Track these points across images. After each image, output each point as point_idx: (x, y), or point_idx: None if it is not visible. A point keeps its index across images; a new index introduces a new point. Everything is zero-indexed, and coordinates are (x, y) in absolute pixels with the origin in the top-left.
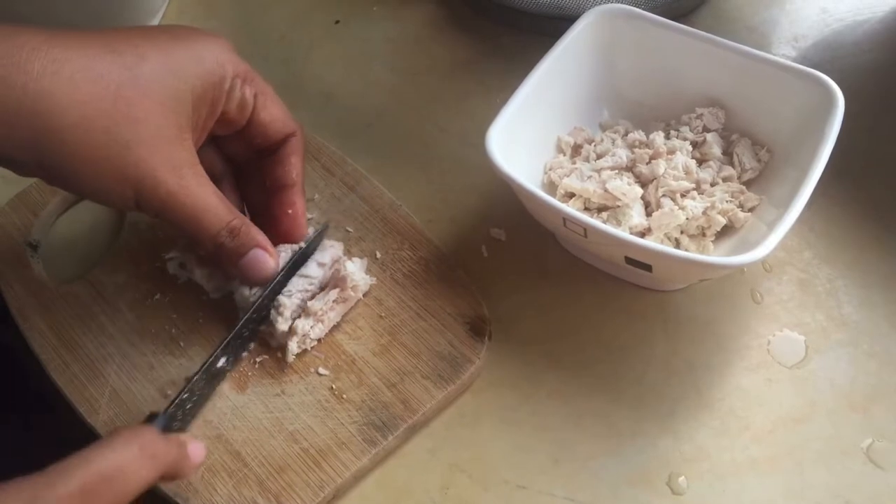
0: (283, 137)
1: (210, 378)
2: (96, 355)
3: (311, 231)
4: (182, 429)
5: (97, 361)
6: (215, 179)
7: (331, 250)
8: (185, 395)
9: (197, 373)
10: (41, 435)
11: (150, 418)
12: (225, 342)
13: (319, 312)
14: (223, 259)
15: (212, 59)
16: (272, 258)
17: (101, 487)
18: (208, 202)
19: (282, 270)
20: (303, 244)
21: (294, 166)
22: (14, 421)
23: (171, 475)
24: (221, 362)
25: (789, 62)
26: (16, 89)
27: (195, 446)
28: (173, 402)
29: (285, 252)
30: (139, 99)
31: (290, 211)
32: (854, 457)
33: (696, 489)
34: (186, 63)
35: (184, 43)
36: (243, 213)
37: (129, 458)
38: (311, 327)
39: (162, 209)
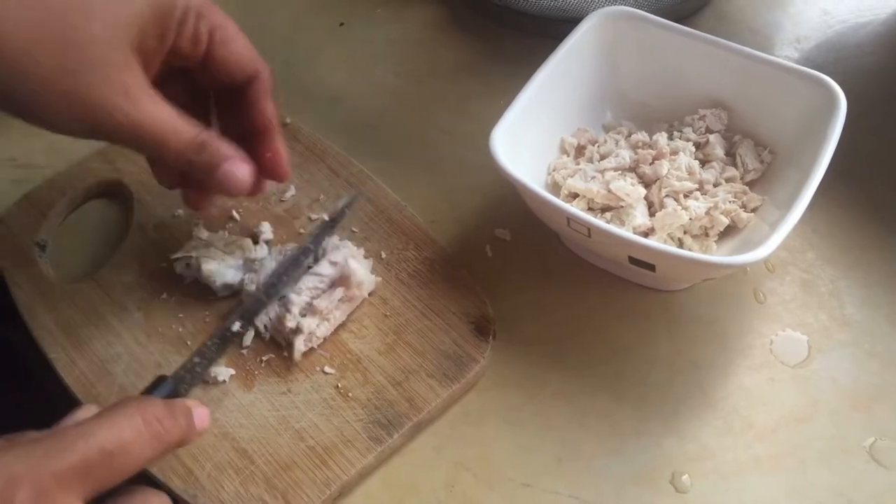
0: (246, 77)
1: (223, 342)
2: (104, 354)
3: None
4: (188, 391)
5: (105, 360)
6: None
7: (344, 250)
8: (197, 360)
9: (212, 338)
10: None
11: (159, 381)
12: (244, 306)
13: (325, 311)
14: (198, 176)
15: None
16: (247, 165)
17: (101, 463)
18: (166, 121)
19: (315, 234)
20: (325, 217)
21: (264, 110)
22: (14, 424)
23: (176, 446)
24: (236, 326)
25: (792, 64)
26: None
27: (200, 413)
28: (184, 365)
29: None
30: (85, 23)
31: (268, 155)
32: (857, 456)
33: (700, 488)
34: None
35: None
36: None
37: (132, 433)
38: (318, 325)
39: (119, 132)
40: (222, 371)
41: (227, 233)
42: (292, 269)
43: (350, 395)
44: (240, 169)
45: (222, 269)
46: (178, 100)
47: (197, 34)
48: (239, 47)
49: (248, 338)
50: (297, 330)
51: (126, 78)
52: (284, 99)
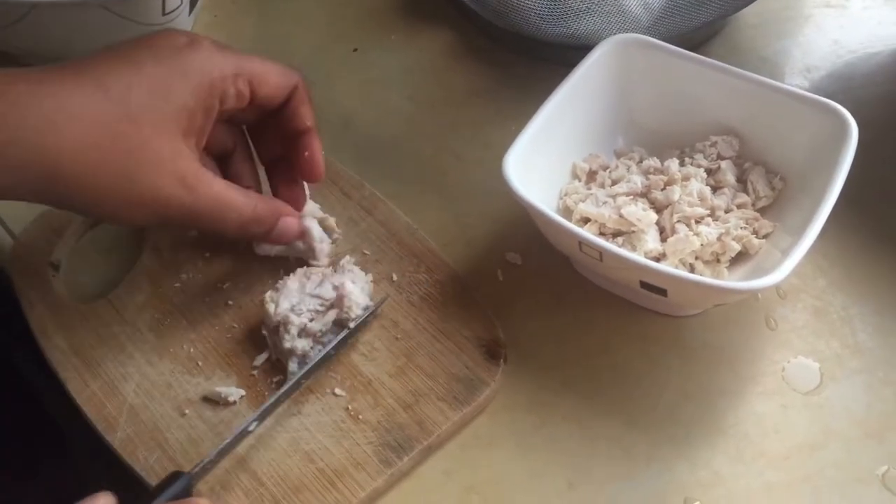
0: (286, 96)
1: (237, 440)
2: (115, 374)
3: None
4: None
5: (116, 380)
6: (228, 152)
7: (349, 273)
8: (216, 457)
9: (231, 439)
10: (48, 456)
11: (174, 477)
12: (262, 409)
13: (318, 334)
14: (254, 239)
15: (196, 70)
16: (296, 220)
17: None
18: (222, 201)
19: (324, 351)
20: (351, 325)
21: (305, 114)
22: (19, 447)
23: None
24: (253, 427)
25: (803, 91)
26: (20, 142)
27: None
28: (201, 463)
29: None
30: (135, 129)
31: (306, 153)
32: (870, 484)
33: None
34: (172, 83)
35: (167, 62)
36: (257, 175)
37: None
38: (311, 348)
39: (185, 220)
40: (233, 391)
41: None
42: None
43: (360, 417)
44: (291, 224)
45: None
46: (224, 143)
47: (239, 93)
48: (275, 78)
49: (260, 359)
50: (292, 351)
51: (179, 168)
52: None
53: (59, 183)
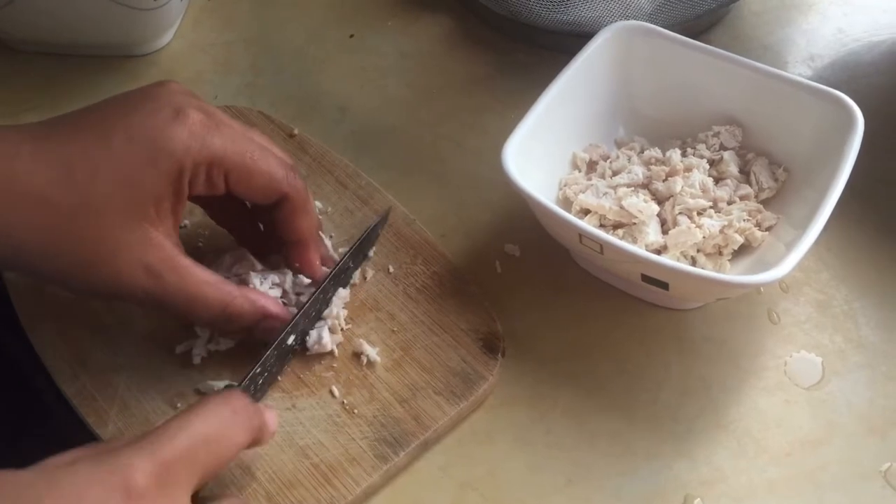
0: (271, 202)
1: (280, 355)
2: (106, 366)
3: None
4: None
5: (106, 372)
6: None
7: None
8: (258, 370)
9: (269, 348)
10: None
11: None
12: (294, 320)
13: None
14: (231, 335)
15: (168, 155)
16: (279, 316)
17: (203, 450)
18: (190, 293)
19: (338, 264)
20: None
21: (294, 227)
22: (13, 432)
23: (255, 442)
24: (290, 340)
25: (808, 81)
26: None
27: (270, 414)
28: (247, 376)
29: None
30: (95, 220)
31: (296, 265)
32: (873, 481)
33: None
34: (141, 171)
35: (141, 144)
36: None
37: (226, 421)
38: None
39: (153, 306)
40: (224, 385)
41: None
42: (331, 287)
43: (356, 411)
44: (274, 325)
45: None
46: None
47: (211, 182)
48: (259, 181)
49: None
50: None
51: (145, 256)
52: (293, 110)
53: (24, 257)
